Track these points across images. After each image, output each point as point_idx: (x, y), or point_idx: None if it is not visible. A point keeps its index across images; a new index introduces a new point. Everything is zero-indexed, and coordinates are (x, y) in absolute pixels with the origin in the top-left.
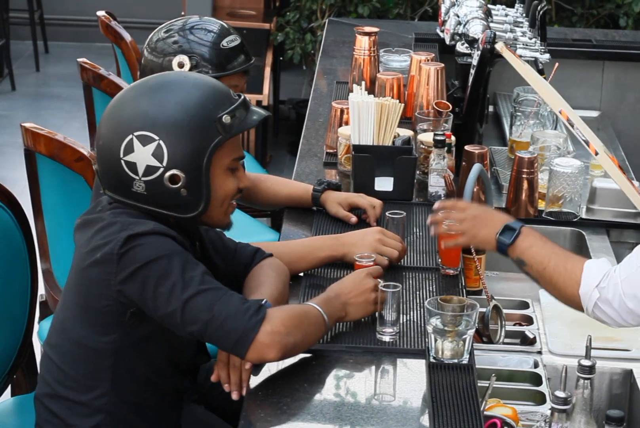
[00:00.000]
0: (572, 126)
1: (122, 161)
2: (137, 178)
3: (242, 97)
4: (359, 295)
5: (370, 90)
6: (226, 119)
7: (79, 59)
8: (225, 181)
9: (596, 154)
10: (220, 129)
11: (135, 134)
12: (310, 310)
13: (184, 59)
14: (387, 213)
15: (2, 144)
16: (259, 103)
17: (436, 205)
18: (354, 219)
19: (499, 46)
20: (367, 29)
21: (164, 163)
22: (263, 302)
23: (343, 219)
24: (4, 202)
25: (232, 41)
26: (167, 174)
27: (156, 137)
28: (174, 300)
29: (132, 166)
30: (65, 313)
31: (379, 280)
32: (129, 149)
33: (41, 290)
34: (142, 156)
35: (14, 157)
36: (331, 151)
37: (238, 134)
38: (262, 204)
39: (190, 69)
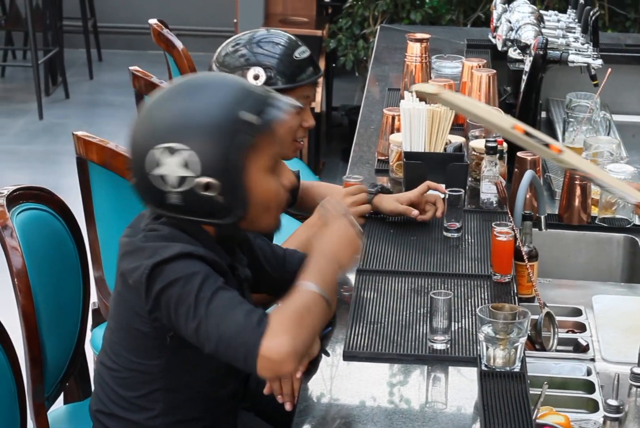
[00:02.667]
0: (530, 136)
1: (150, 176)
2: (170, 190)
3: (270, 92)
4: (344, 242)
5: (422, 97)
6: (251, 118)
7: (130, 67)
8: (267, 182)
9: (561, 152)
10: (246, 128)
11: (160, 146)
12: (308, 298)
13: (259, 71)
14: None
15: (56, 152)
16: (312, 110)
17: None
18: (415, 212)
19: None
20: (419, 35)
21: (195, 172)
22: (263, 312)
23: (403, 214)
24: (57, 210)
25: (303, 52)
26: (200, 182)
27: (182, 147)
28: (189, 323)
29: (162, 179)
30: (112, 336)
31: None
32: (156, 162)
33: (93, 297)
34: (172, 167)
35: (68, 165)
36: (383, 158)
37: (271, 132)
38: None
39: (266, 81)
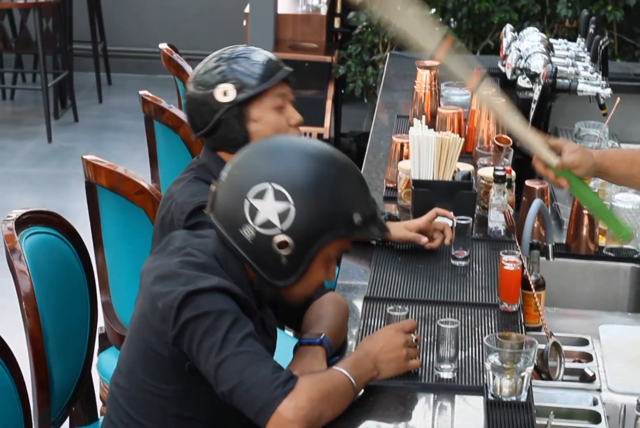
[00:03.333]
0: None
1: (247, 201)
2: (251, 223)
3: (376, 207)
4: (390, 351)
5: (431, 124)
6: (357, 218)
7: (140, 92)
8: (321, 268)
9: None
10: (348, 226)
11: (274, 185)
12: (339, 379)
13: (227, 86)
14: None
15: (65, 175)
16: (320, 136)
17: None
18: (424, 239)
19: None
20: (428, 62)
21: (284, 226)
22: (294, 375)
23: (412, 241)
24: (65, 234)
25: (261, 54)
26: (280, 237)
27: (290, 200)
28: (211, 358)
29: (254, 211)
30: (129, 357)
31: (413, 335)
32: (261, 195)
33: (100, 322)
34: (269, 208)
35: (77, 189)
36: (391, 185)
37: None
38: None
39: (236, 95)
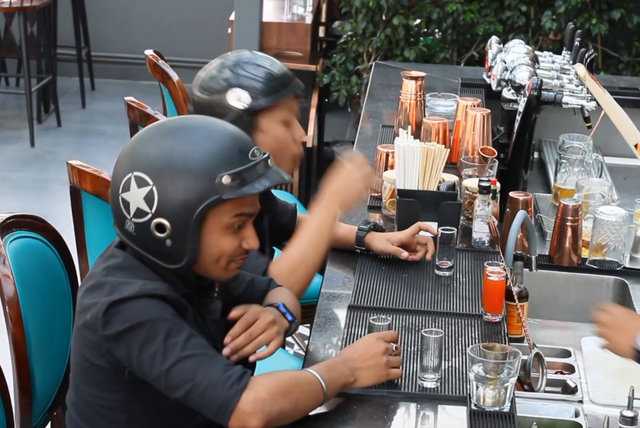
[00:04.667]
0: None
1: (120, 197)
2: (128, 217)
3: (259, 159)
4: (369, 359)
5: (416, 134)
6: (227, 179)
7: (126, 98)
8: (222, 238)
9: None
10: (219, 189)
11: (135, 174)
12: (304, 377)
13: (241, 92)
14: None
15: (47, 180)
16: (303, 145)
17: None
18: (405, 253)
19: (581, 72)
20: (414, 73)
21: (153, 210)
22: (247, 371)
23: (393, 254)
24: (49, 239)
25: (282, 68)
26: (154, 221)
27: (150, 182)
28: (157, 366)
29: (127, 204)
30: (73, 371)
31: (393, 344)
32: (127, 187)
33: None
34: (135, 197)
35: (58, 193)
36: (376, 194)
37: (242, 198)
38: None
39: (249, 103)
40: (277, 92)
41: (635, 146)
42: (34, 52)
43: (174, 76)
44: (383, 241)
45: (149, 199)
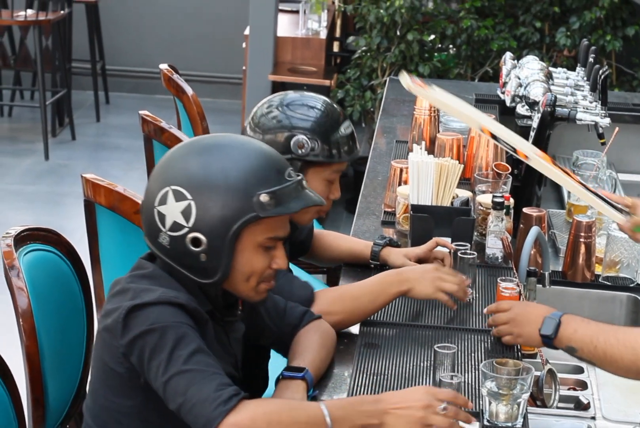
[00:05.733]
0: (497, 139)
1: (155, 210)
2: (163, 230)
3: (296, 180)
4: (404, 408)
5: (430, 150)
6: (264, 198)
7: (140, 112)
8: (254, 257)
9: (527, 158)
10: (257, 207)
11: (172, 187)
12: (306, 409)
13: (304, 140)
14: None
15: (61, 193)
16: None
17: (485, 310)
18: None
19: (405, 82)
20: None
21: (190, 224)
22: (240, 393)
23: None
24: (63, 252)
25: (348, 127)
26: (190, 235)
27: (189, 197)
28: (159, 376)
29: (162, 217)
30: (93, 375)
31: (446, 405)
32: (163, 200)
33: None
34: (172, 210)
35: (73, 207)
36: (389, 209)
37: (280, 217)
38: (322, 260)
39: (307, 151)
40: (339, 156)
41: (481, 129)
42: (48, 65)
43: (189, 90)
44: (400, 257)
45: (186, 213)
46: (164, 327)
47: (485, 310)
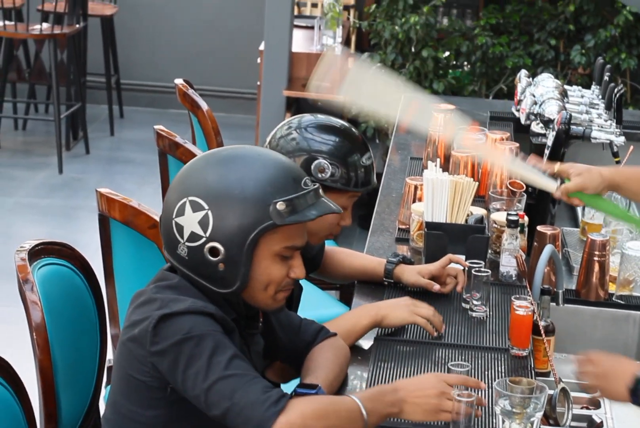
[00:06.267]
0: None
1: (174, 222)
2: (181, 241)
3: (312, 188)
4: (420, 396)
5: (445, 167)
6: (281, 206)
7: (155, 126)
8: (271, 266)
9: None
10: (273, 215)
11: (190, 198)
12: (344, 403)
13: (325, 165)
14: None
15: (75, 207)
16: None
17: (574, 358)
18: (437, 286)
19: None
20: (443, 106)
21: (207, 234)
22: (287, 394)
23: (424, 287)
24: (77, 266)
25: (369, 158)
26: (208, 245)
27: (205, 207)
28: (199, 383)
29: (180, 228)
30: (114, 387)
31: (463, 391)
32: (181, 211)
33: (109, 354)
34: (190, 221)
35: (86, 220)
36: (404, 227)
37: (294, 224)
38: (334, 277)
39: (328, 177)
40: (357, 185)
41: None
42: (63, 79)
43: (204, 105)
44: (414, 274)
45: (203, 223)
46: (201, 336)
47: (573, 358)
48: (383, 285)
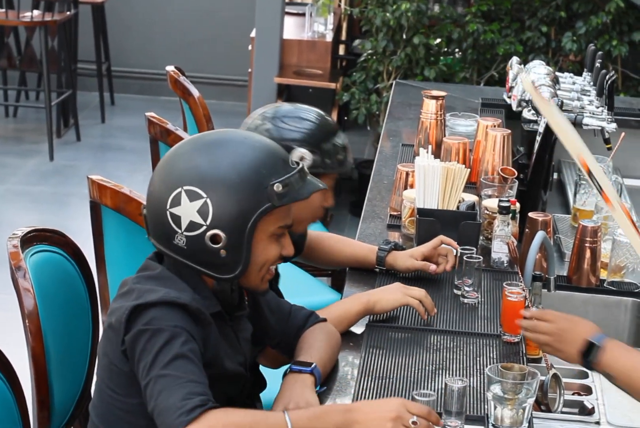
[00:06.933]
0: (590, 175)
1: (168, 212)
2: (179, 231)
3: (301, 166)
4: (374, 419)
5: (436, 154)
6: (278, 187)
7: (147, 113)
8: (268, 247)
9: (610, 204)
10: (271, 197)
11: (185, 188)
12: (268, 420)
13: (306, 153)
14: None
15: (66, 194)
16: None
17: (527, 313)
18: (432, 267)
19: (527, 83)
20: (435, 92)
21: (208, 222)
22: (207, 404)
23: (420, 270)
24: (69, 253)
25: (343, 139)
26: (209, 233)
27: (204, 195)
28: (142, 377)
29: (177, 219)
30: (99, 374)
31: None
32: (176, 201)
33: None
34: (188, 211)
35: (78, 207)
36: (395, 213)
37: (290, 205)
38: (324, 263)
39: (309, 163)
40: (334, 168)
41: (578, 158)
42: (54, 66)
43: (195, 92)
44: (407, 259)
45: (203, 211)
46: (156, 330)
47: (525, 312)
48: (374, 272)
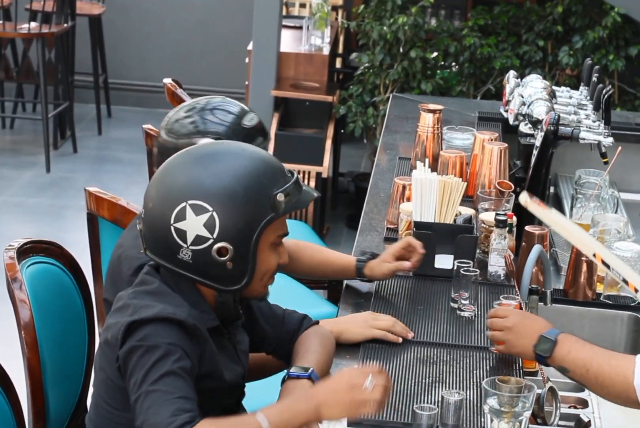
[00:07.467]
0: (609, 267)
1: (172, 227)
2: (184, 245)
3: (295, 175)
4: (332, 394)
5: (433, 167)
6: (280, 197)
7: (144, 125)
8: (269, 256)
9: (636, 291)
10: (274, 207)
11: (190, 202)
12: (246, 423)
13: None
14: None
15: (62, 206)
16: (319, 175)
17: (490, 312)
18: (407, 264)
19: (523, 199)
20: (432, 106)
21: (215, 235)
22: (195, 420)
23: (396, 270)
24: (66, 265)
25: (252, 119)
26: (216, 246)
27: (210, 208)
28: (132, 393)
29: (182, 233)
30: (95, 388)
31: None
32: (181, 216)
33: None
34: (193, 225)
35: (74, 219)
36: (392, 226)
37: (287, 214)
38: (302, 273)
39: None
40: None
41: (594, 255)
42: (51, 78)
43: None
44: (382, 265)
45: (210, 225)
46: (149, 347)
47: (490, 313)
48: (369, 283)
